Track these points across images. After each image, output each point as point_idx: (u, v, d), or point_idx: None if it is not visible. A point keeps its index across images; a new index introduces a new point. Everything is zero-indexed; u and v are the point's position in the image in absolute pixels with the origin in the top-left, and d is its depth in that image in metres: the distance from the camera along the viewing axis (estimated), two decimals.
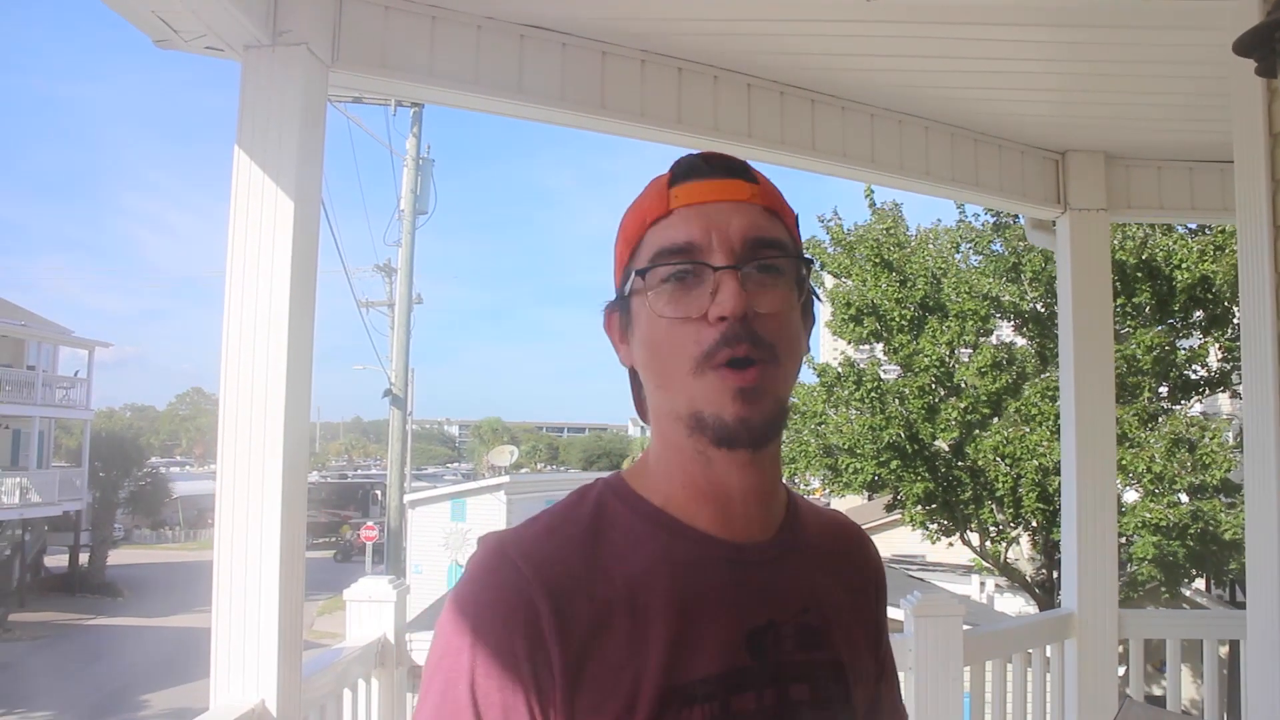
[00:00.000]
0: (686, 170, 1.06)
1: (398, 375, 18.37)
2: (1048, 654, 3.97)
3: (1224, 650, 5.63)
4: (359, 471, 57.68)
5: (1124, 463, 11.79)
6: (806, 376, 16.32)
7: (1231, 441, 12.36)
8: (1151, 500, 12.10)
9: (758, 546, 1.07)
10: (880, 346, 14.47)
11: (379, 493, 38.38)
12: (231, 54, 2.46)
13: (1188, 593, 14.27)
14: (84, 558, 31.66)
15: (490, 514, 26.93)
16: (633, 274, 1.05)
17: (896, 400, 13.79)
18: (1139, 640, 4.10)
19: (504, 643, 0.96)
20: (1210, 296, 12.36)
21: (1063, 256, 4.21)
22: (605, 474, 1.13)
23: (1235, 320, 12.55)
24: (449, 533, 26.45)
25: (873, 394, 13.78)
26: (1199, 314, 12.81)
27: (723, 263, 1.00)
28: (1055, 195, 4.14)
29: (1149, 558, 12.00)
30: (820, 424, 14.69)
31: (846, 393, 14.19)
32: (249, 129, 2.39)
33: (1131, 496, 12.74)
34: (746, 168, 1.08)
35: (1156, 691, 9.23)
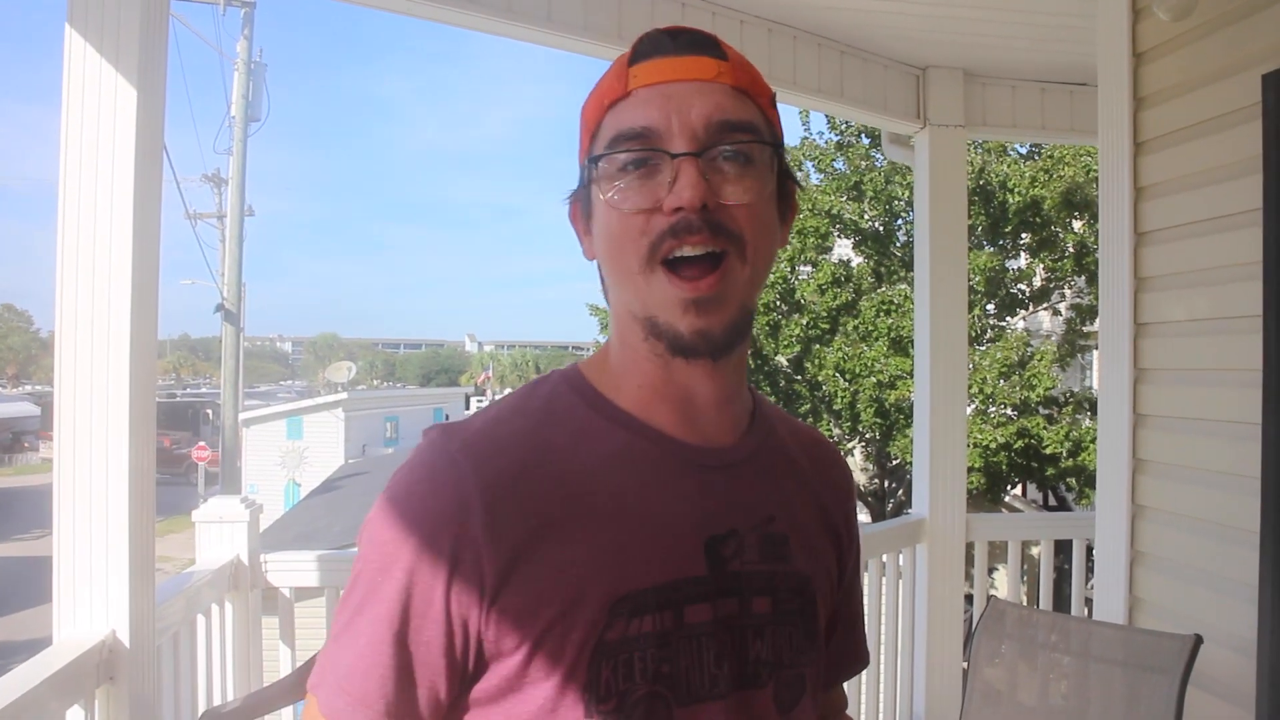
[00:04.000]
0: (648, 47, 0.96)
1: (230, 290, 17.58)
2: (900, 561, 4.10)
3: (1035, 550, 5.96)
4: (188, 390, 55.58)
5: None
6: None
7: (1052, 358, 13.02)
8: (981, 419, 12.67)
9: (721, 450, 1.00)
10: None
11: (210, 412, 37.00)
12: None
13: (1007, 499, 15.12)
14: None
15: (328, 431, 26.43)
16: (590, 161, 0.96)
17: None
18: (983, 543, 4.27)
19: (433, 539, 0.89)
20: (1039, 220, 12.89)
21: (921, 171, 4.27)
22: (563, 368, 1.04)
23: (1061, 241, 13.15)
24: (285, 451, 25.85)
25: None
26: (1027, 236, 13.35)
27: (683, 149, 0.91)
28: (915, 110, 4.19)
29: (976, 467, 12.61)
30: None
31: None
32: (81, 2, 2.13)
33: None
34: (715, 42, 0.97)
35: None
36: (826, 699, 1.17)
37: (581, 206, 1.00)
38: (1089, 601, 3.47)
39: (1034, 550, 6.31)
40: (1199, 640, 2.22)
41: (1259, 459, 2.38)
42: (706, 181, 0.91)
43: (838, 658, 1.17)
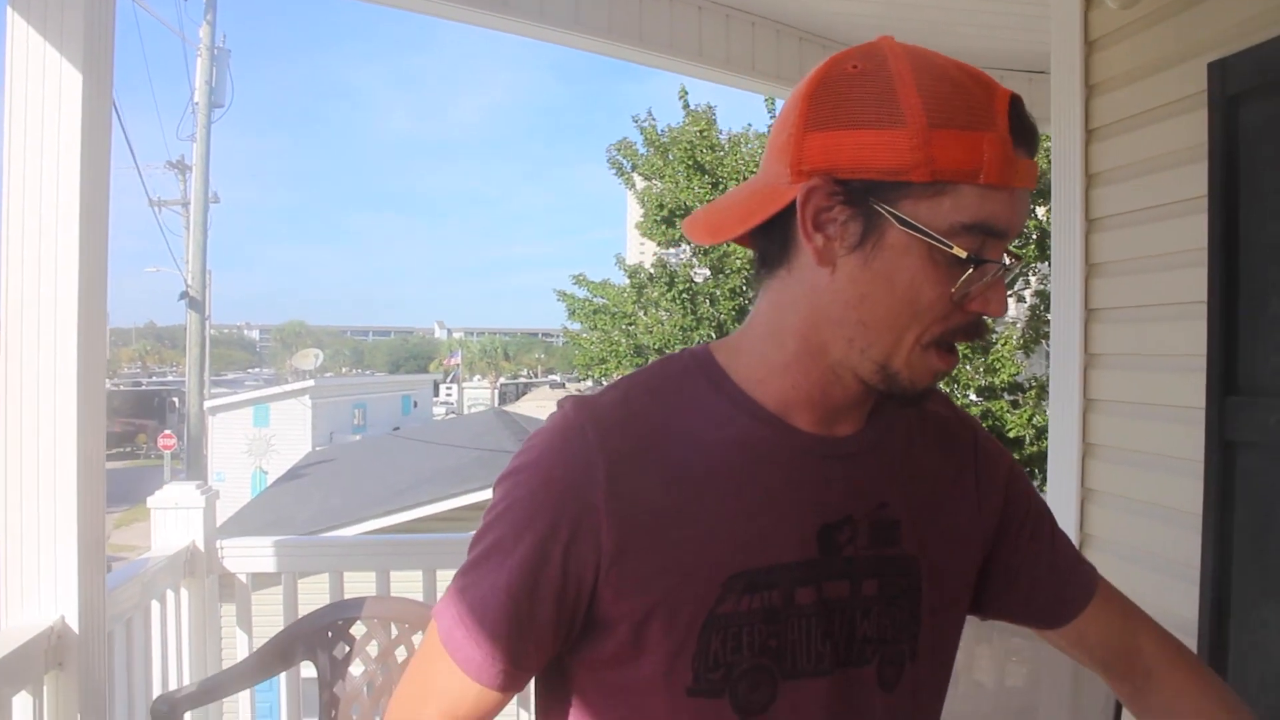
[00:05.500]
0: (1026, 141, 0.92)
1: (194, 277, 17.41)
2: None
3: None
4: (154, 379, 55.04)
5: None
6: (617, 277, 16.43)
7: (1015, 344, 13.13)
8: None
9: (842, 440, 1.03)
10: (690, 248, 14.63)
11: (176, 400, 36.69)
12: None
13: None
14: None
15: (295, 419, 26.29)
16: (940, 215, 0.89)
17: (708, 302, 14.05)
18: None
19: (558, 504, 0.95)
20: None
21: None
22: (694, 348, 1.06)
23: (1026, 228, 13.25)
24: (252, 439, 25.69)
25: (684, 295, 13.98)
26: None
27: (1005, 259, 0.94)
28: None
29: None
30: (630, 324, 14.83)
31: (657, 294, 14.33)
32: None
33: None
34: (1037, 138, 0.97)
35: None
36: (1089, 621, 1.17)
37: (856, 220, 0.92)
38: None
39: None
40: None
41: (1202, 443, 2.42)
42: None
43: (1058, 587, 1.18)
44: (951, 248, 0.89)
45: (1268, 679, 2.24)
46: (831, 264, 0.93)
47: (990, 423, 12.55)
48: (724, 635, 0.95)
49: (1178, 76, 2.61)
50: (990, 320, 0.97)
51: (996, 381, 12.67)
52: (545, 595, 0.95)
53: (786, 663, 0.98)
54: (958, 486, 1.11)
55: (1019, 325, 14.03)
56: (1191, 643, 2.42)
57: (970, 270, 0.90)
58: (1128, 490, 2.82)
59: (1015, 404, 12.93)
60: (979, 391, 12.85)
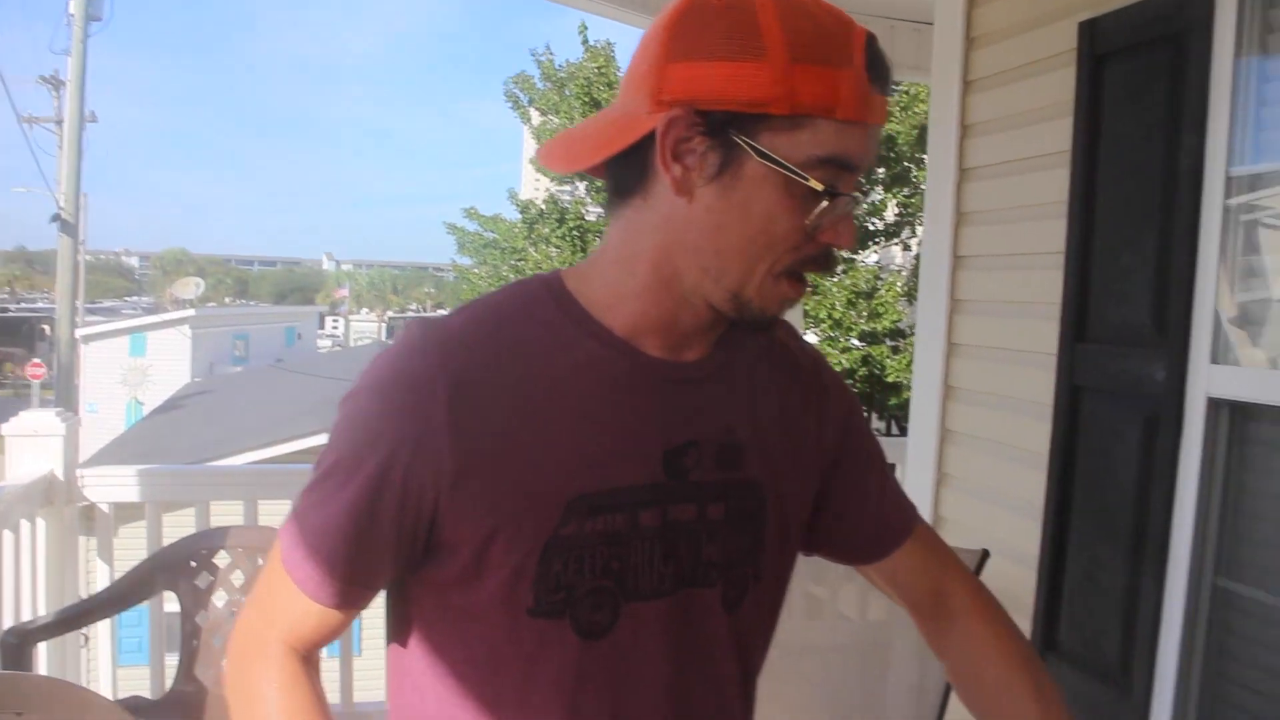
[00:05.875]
0: (881, 76, 0.94)
1: (68, 200, 16.68)
2: None
3: None
4: (23, 305, 52.76)
5: (808, 309, 12.62)
6: (509, 212, 16.28)
7: (899, 291, 13.45)
8: (829, 346, 13.04)
9: (689, 365, 1.03)
10: (584, 185, 14.57)
11: (46, 328, 35.24)
12: None
13: None
14: None
15: (174, 349, 25.53)
16: (797, 148, 0.91)
17: (598, 239, 14.00)
18: None
19: (401, 425, 0.94)
20: (893, 155, 13.20)
21: None
22: (545, 273, 1.06)
23: (913, 177, 13.51)
24: (128, 369, 24.85)
25: (574, 232, 13.95)
26: (881, 171, 13.67)
27: (857, 194, 0.96)
28: None
29: None
30: (520, 260, 14.74)
31: (549, 230, 14.27)
32: None
33: (812, 339, 13.69)
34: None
35: None
36: (902, 558, 1.22)
37: (713, 150, 0.92)
38: None
39: None
40: (986, 554, 2.37)
41: (1053, 387, 2.52)
42: None
43: (879, 524, 1.22)
44: (808, 180, 0.90)
45: (1097, 610, 2.37)
46: (689, 194, 0.94)
47: (871, 368, 12.88)
48: (566, 558, 0.96)
49: (1051, 34, 2.67)
50: (838, 252, 0.99)
51: (879, 327, 12.99)
52: (386, 516, 0.95)
53: (629, 584, 0.99)
54: (801, 417, 1.13)
55: (904, 274, 14.37)
56: (1032, 576, 2.55)
57: (824, 203, 0.91)
58: (984, 431, 2.94)
59: (896, 350, 13.28)
60: (861, 336, 13.16)
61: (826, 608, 3.09)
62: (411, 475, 0.94)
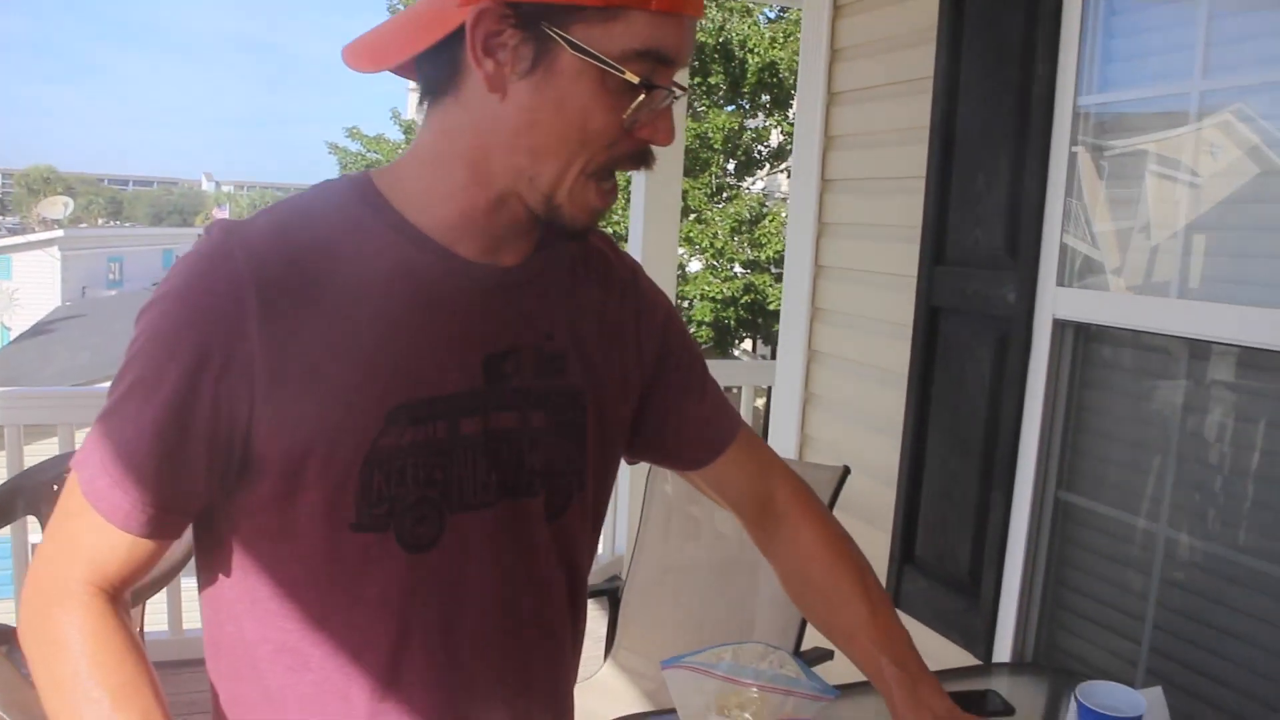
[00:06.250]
0: None
1: None
2: None
3: (759, 401, 6.33)
4: None
5: (692, 236, 12.68)
6: (393, 133, 15.93)
7: (782, 220, 13.58)
8: (711, 274, 13.14)
9: (508, 270, 1.01)
10: None
11: None
12: None
13: (737, 353, 15.89)
14: None
15: (42, 272, 24.50)
16: (611, 41, 0.88)
17: None
18: None
19: (206, 334, 0.89)
20: (776, 81, 13.23)
21: None
22: (352, 174, 1.01)
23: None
24: None
25: None
26: (766, 97, 13.71)
27: (674, 89, 0.92)
28: None
29: (706, 321, 13.13)
30: None
31: None
32: None
33: (696, 266, 13.76)
34: None
35: None
36: (726, 464, 1.24)
37: (526, 42, 0.89)
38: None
39: (759, 402, 6.64)
40: (846, 471, 2.45)
41: (913, 308, 2.60)
42: None
43: (702, 430, 1.23)
44: (623, 73, 0.88)
45: (949, 518, 2.48)
46: (502, 90, 0.91)
47: (753, 296, 13.02)
48: (387, 469, 0.93)
49: None
50: (655, 149, 0.97)
51: (762, 256, 13.10)
52: (196, 432, 0.90)
53: (453, 495, 0.97)
54: (619, 324, 1.13)
55: (788, 202, 14.51)
56: (892, 491, 2.65)
57: (641, 96, 0.90)
58: (848, 352, 3.02)
59: (779, 278, 13.44)
60: (745, 264, 13.27)
61: (704, 528, 3.16)
62: (223, 387, 0.89)
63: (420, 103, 0.99)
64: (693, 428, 1.23)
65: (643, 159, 0.96)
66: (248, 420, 0.90)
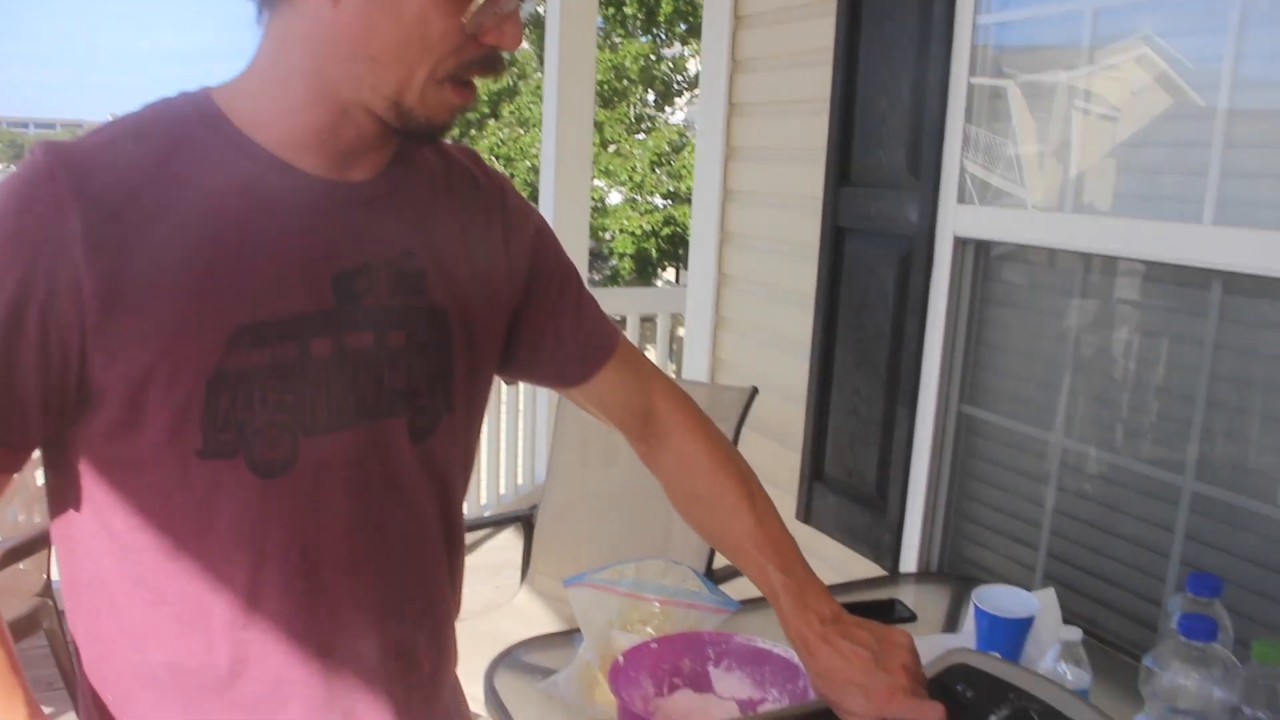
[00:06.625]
0: None
1: None
2: None
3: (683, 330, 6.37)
4: None
5: (611, 168, 12.61)
6: None
7: None
8: (631, 207, 13.11)
9: (357, 185, 0.98)
10: None
11: None
12: None
13: (659, 283, 15.95)
14: None
15: None
16: None
17: None
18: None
19: (29, 259, 0.84)
20: (692, 8, 13.14)
21: None
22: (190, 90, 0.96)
23: None
24: None
25: None
26: (683, 25, 13.62)
27: None
28: None
29: (627, 253, 13.13)
30: None
31: None
32: None
33: (616, 198, 13.73)
34: None
35: None
36: (605, 380, 1.23)
37: None
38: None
39: (681, 331, 6.68)
40: (754, 391, 2.48)
41: (819, 229, 2.62)
42: None
43: (578, 346, 1.22)
44: None
45: (857, 435, 2.53)
46: None
47: (674, 228, 13.04)
48: (234, 392, 0.90)
49: None
50: (506, 54, 0.95)
51: (683, 187, 13.11)
52: (26, 361, 0.86)
53: (306, 418, 0.94)
54: (487, 242, 1.11)
55: (697, 127, 14.49)
56: (801, 409, 2.69)
57: (480, 0, 0.88)
58: (757, 275, 3.05)
59: None
60: (666, 196, 13.26)
61: (621, 452, 3.18)
62: (50, 315, 0.85)
63: (258, 15, 0.94)
64: (569, 344, 1.22)
65: (492, 65, 0.94)
66: (80, 348, 0.87)
